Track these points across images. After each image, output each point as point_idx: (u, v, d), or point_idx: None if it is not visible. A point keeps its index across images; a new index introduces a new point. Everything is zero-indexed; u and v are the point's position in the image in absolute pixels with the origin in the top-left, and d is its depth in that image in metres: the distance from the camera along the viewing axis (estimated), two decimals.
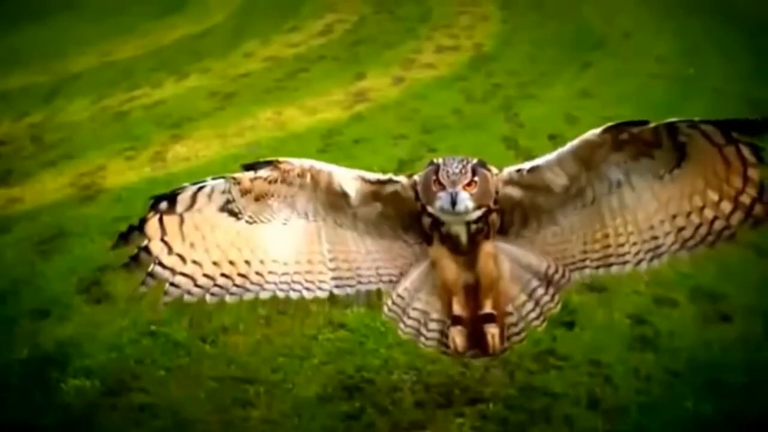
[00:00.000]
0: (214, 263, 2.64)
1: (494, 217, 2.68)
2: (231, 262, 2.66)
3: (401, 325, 2.84)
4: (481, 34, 9.69)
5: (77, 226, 4.88)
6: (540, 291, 2.78)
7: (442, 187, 2.57)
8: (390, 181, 2.70)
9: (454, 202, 2.56)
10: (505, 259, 2.77)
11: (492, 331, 2.74)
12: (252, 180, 2.63)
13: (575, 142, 2.56)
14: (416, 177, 2.67)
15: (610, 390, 3.12)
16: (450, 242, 2.71)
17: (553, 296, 2.78)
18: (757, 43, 8.21)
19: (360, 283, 2.82)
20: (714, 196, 2.46)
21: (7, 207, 5.39)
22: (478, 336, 2.77)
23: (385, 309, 2.84)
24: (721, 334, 3.44)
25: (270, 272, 2.71)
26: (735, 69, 7.55)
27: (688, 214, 2.52)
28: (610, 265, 2.69)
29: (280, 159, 2.66)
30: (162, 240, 2.58)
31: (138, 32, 10.82)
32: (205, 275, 2.63)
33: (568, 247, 2.73)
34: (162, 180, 5.48)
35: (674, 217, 2.55)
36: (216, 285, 2.64)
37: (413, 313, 2.83)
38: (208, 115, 7.24)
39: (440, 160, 2.60)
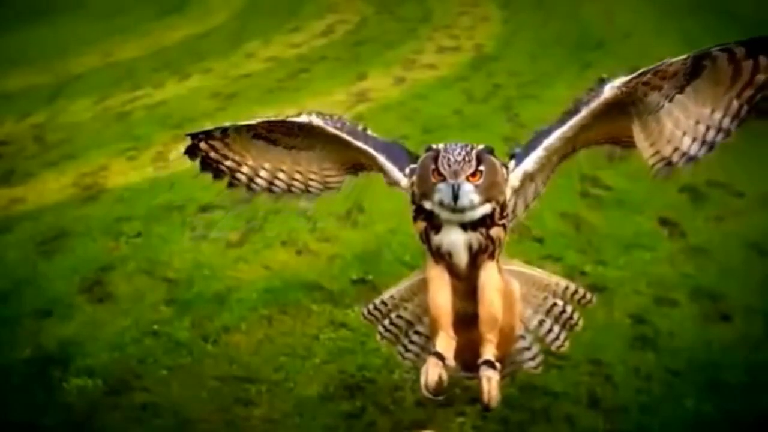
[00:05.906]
0: (264, 168, 2.67)
1: (500, 232, 2.33)
2: (282, 170, 2.68)
3: (380, 328, 2.72)
4: (481, 34, 9.67)
5: (79, 226, 4.88)
6: (558, 309, 2.62)
7: (442, 178, 2.23)
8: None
9: (456, 196, 2.21)
10: (515, 281, 2.55)
11: (488, 374, 2.36)
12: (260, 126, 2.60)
13: (593, 105, 2.26)
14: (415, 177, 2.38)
15: (611, 389, 3.13)
16: (444, 261, 2.36)
17: (572, 314, 2.63)
18: None
19: None
20: (690, 122, 2.20)
21: (9, 207, 5.39)
22: (471, 364, 2.49)
23: (365, 311, 2.72)
24: (721, 334, 3.45)
25: (327, 175, 2.69)
26: None
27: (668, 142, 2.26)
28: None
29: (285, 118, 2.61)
30: (215, 151, 2.62)
31: (140, 32, 10.81)
32: (258, 176, 2.67)
33: None
34: (164, 180, 5.49)
35: (652, 144, 2.28)
36: (273, 185, 2.69)
37: (396, 320, 2.69)
38: (209, 115, 7.21)
39: (440, 146, 2.27)
